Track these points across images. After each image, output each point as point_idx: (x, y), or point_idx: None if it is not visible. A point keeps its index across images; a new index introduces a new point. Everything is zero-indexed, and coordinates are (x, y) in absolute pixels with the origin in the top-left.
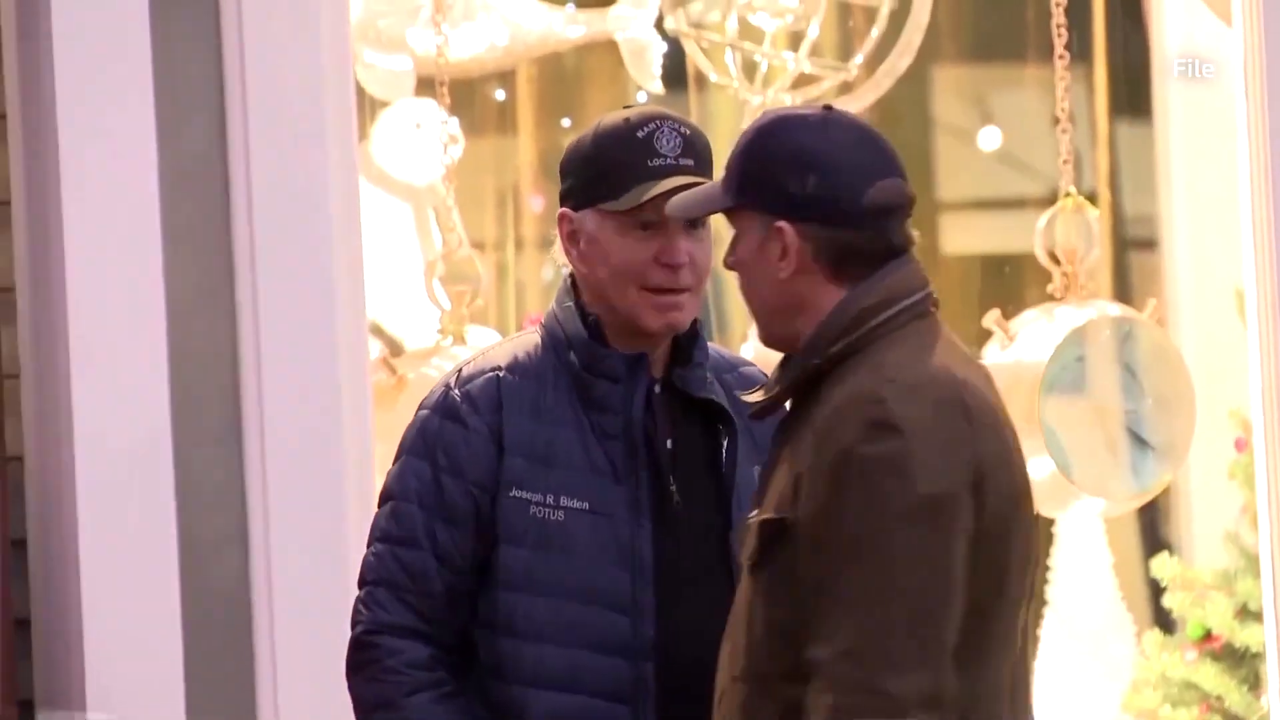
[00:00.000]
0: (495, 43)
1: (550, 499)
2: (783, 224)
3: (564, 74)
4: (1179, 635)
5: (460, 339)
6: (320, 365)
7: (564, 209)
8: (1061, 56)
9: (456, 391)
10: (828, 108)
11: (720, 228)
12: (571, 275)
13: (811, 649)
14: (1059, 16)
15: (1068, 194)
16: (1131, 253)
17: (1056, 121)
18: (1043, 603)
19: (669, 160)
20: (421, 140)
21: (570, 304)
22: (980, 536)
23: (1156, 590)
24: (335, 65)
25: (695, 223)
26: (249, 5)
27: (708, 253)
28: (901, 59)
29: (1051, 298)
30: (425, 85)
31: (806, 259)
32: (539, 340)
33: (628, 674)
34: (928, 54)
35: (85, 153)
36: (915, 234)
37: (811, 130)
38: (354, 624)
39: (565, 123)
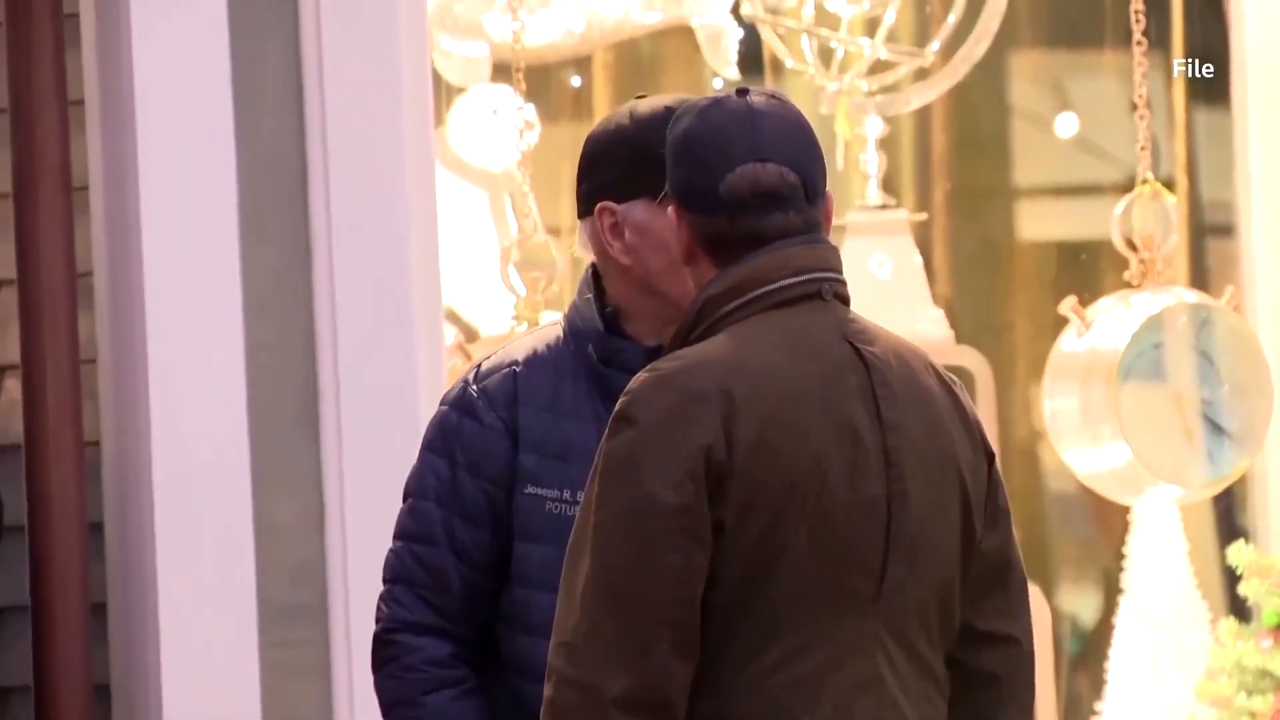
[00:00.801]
0: (571, 29)
1: (566, 494)
2: (670, 210)
3: (640, 60)
4: (1254, 623)
5: (535, 324)
6: (396, 351)
7: (605, 202)
8: (1140, 42)
9: (474, 387)
10: (742, 90)
11: None
12: (593, 267)
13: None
14: (1137, 2)
15: (1145, 180)
16: (1209, 239)
17: (1134, 107)
18: (942, 618)
19: None
20: (497, 126)
21: (589, 296)
22: (726, 530)
23: (1232, 578)
24: (412, 51)
25: None
26: None
27: None
28: (978, 45)
29: (1128, 285)
30: (501, 71)
31: (691, 246)
32: (560, 333)
33: None
34: (1005, 40)
35: (163, 140)
36: (812, 218)
37: (696, 116)
38: (376, 621)
39: None
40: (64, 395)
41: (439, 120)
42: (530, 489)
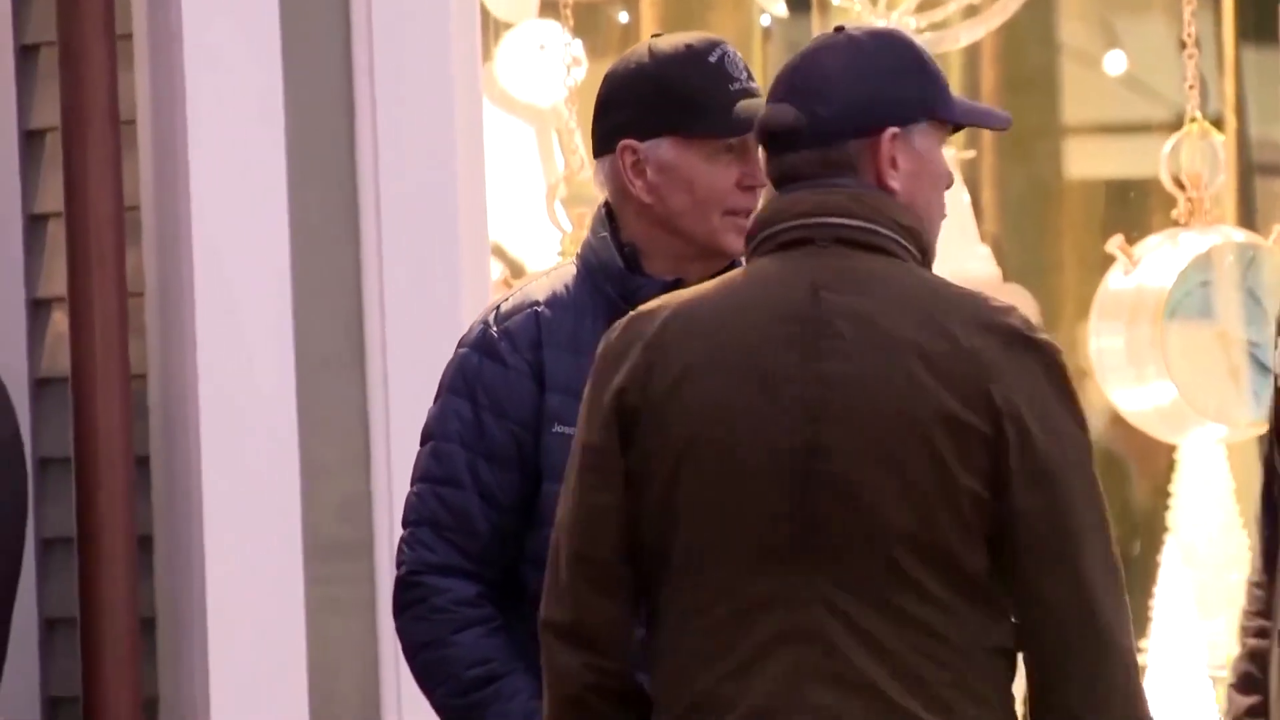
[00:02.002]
0: None
1: None
2: None
3: None
4: None
5: None
6: (443, 287)
7: (627, 140)
8: None
9: (495, 329)
10: (839, 29)
11: None
12: (607, 205)
13: None
14: None
15: (1193, 119)
16: (1257, 178)
17: (1183, 46)
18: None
19: (743, 84)
20: (545, 62)
21: (605, 234)
22: (634, 475)
23: None
24: None
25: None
26: None
27: None
28: None
29: (1176, 223)
30: (549, 7)
31: None
32: (575, 272)
33: None
34: None
35: (211, 74)
36: (833, 158)
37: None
38: (398, 565)
39: None
40: (110, 329)
41: (486, 55)
42: (557, 428)
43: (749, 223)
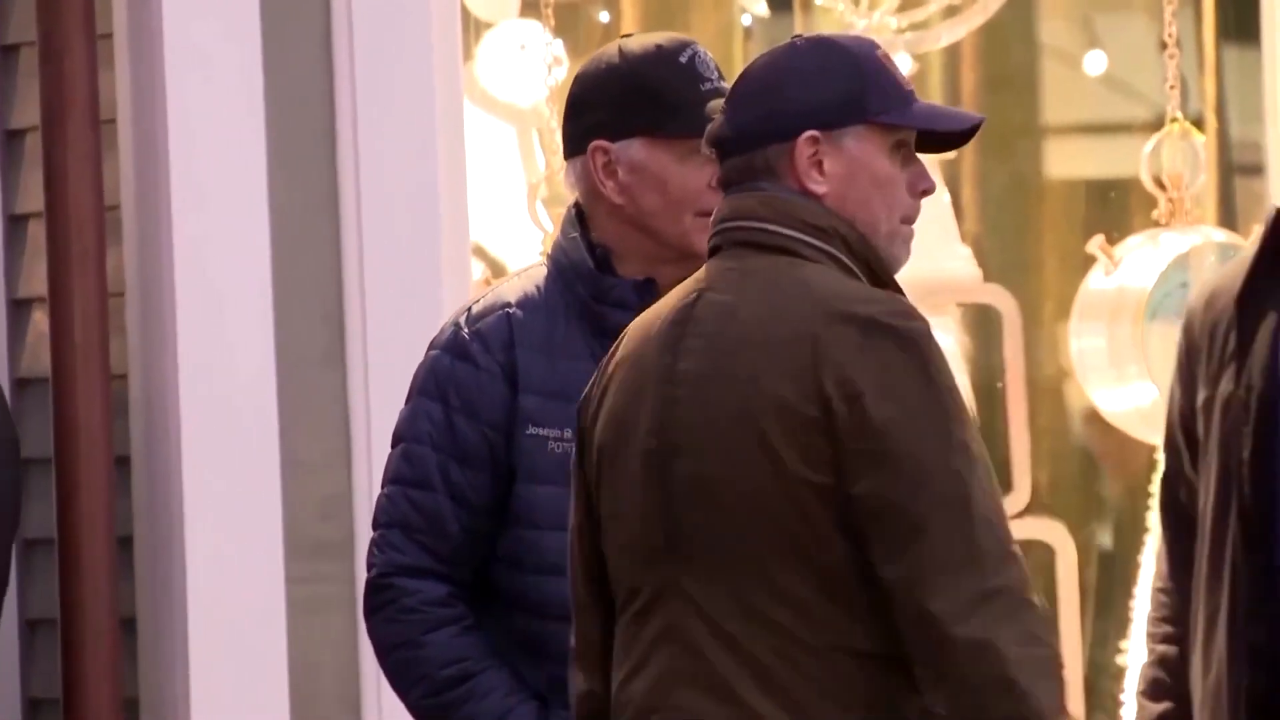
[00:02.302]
0: None
1: (568, 433)
2: None
3: None
4: None
5: None
6: (423, 286)
7: (599, 141)
8: None
9: (466, 330)
10: (795, 38)
11: None
12: (576, 205)
13: None
14: None
15: (1174, 119)
16: (1238, 179)
17: (1164, 46)
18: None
19: (714, 83)
20: (526, 62)
21: (575, 235)
22: (585, 481)
23: None
24: None
25: None
26: None
27: None
28: None
29: (1157, 223)
30: (530, 7)
31: None
32: (547, 272)
33: None
34: None
35: (192, 73)
36: (755, 164)
37: None
38: (369, 567)
39: None
40: (91, 329)
41: (467, 55)
42: (532, 430)
43: None
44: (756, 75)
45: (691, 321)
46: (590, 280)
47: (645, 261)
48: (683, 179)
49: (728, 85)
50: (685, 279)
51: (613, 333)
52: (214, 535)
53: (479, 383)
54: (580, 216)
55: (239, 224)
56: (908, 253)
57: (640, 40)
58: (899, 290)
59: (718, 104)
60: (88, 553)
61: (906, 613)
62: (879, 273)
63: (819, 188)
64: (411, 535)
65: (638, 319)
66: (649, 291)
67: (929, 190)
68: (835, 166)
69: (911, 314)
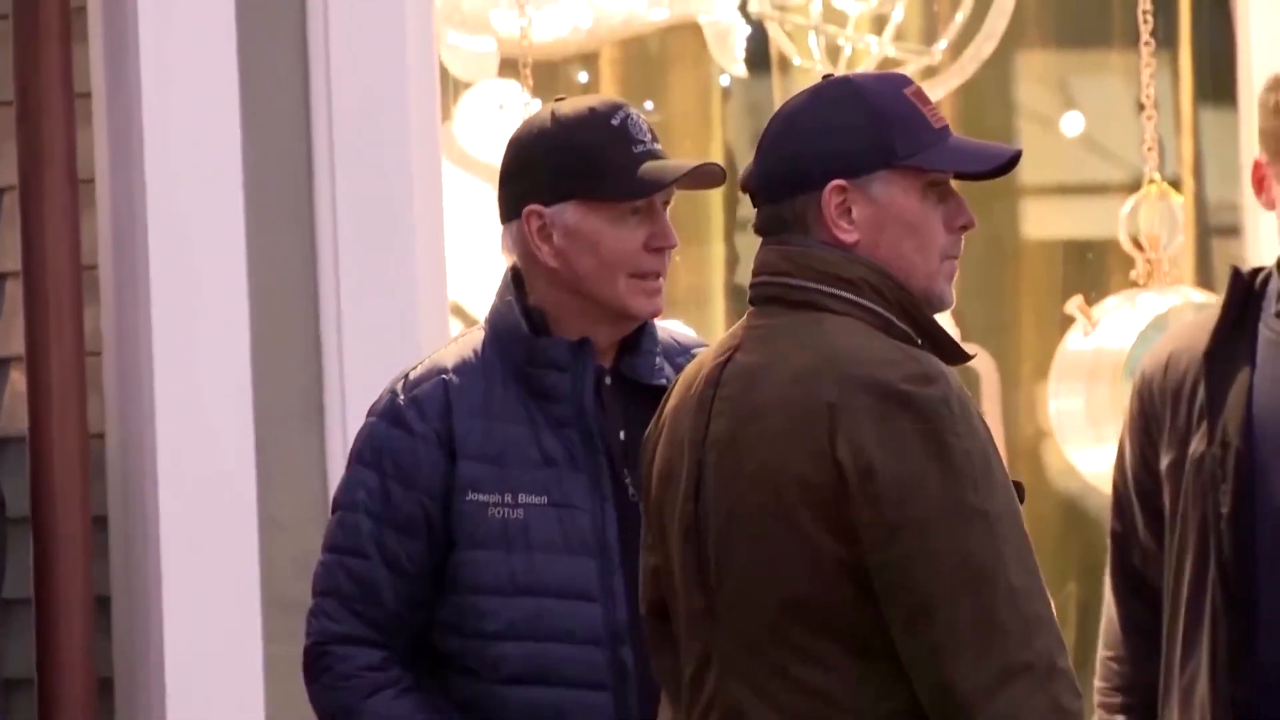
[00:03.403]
0: (579, 25)
1: (508, 498)
2: None
3: (647, 57)
4: None
5: None
6: (402, 346)
7: (533, 205)
8: (1147, 43)
9: (403, 397)
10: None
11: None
12: (513, 269)
13: None
14: (1145, 2)
15: (1152, 180)
16: (1215, 239)
17: (1141, 107)
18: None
19: (647, 145)
20: (504, 121)
21: (510, 299)
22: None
23: None
24: (419, 46)
25: (666, 206)
26: None
27: None
28: (986, 43)
29: (1135, 284)
30: (508, 67)
31: None
32: (484, 335)
33: (605, 661)
34: (1012, 39)
35: (170, 133)
36: (778, 214)
37: None
38: (306, 635)
39: (648, 105)
40: (69, 388)
41: (445, 115)
42: (471, 495)
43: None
44: (782, 121)
45: (721, 384)
46: (523, 344)
47: (582, 323)
48: (616, 241)
49: (660, 147)
50: (620, 338)
51: (549, 393)
52: (192, 594)
53: (414, 450)
54: (517, 280)
55: (217, 283)
56: (951, 291)
57: (573, 103)
58: (943, 333)
59: (659, 164)
60: (65, 612)
61: (925, 690)
62: (917, 318)
63: (848, 236)
64: (345, 603)
65: (686, 371)
66: (584, 351)
67: (968, 225)
68: (864, 213)
69: (932, 377)
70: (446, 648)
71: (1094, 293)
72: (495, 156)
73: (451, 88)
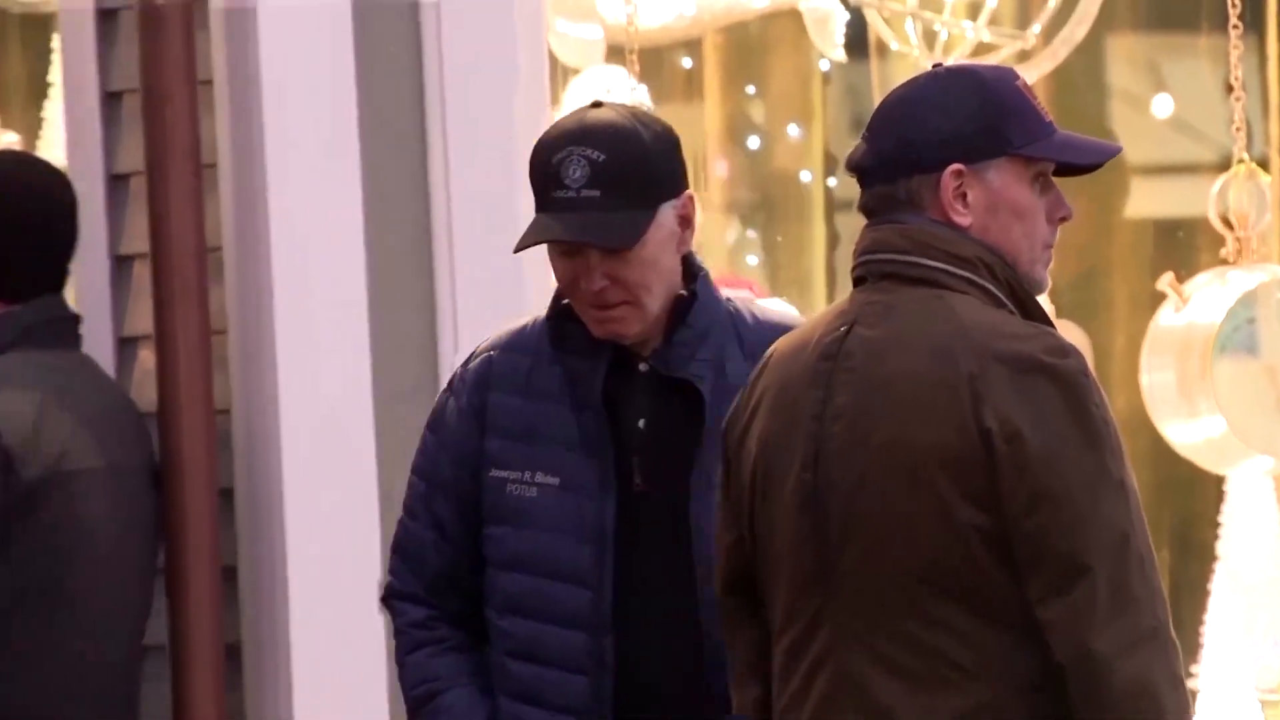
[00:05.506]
0: (683, 12)
1: (527, 475)
2: None
3: (749, 42)
4: None
5: None
6: (513, 320)
7: None
8: (1235, 26)
9: (461, 370)
10: (935, 65)
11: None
12: None
13: None
14: None
15: (1240, 160)
16: None
17: (1229, 89)
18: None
19: (571, 192)
20: None
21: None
22: (734, 510)
23: None
24: (528, 34)
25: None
26: None
27: (641, 264)
28: (1078, 28)
29: (1224, 261)
30: (615, 53)
31: None
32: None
33: (587, 646)
34: (1103, 23)
35: (289, 119)
36: (892, 194)
37: None
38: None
39: (750, 90)
40: (195, 365)
41: (554, 101)
42: (495, 472)
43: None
44: (897, 103)
45: (842, 356)
46: (554, 326)
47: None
48: (558, 271)
49: (598, 194)
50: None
51: (573, 375)
52: (315, 562)
53: (457, 420)
54: None
55: (336, 262)
56: (1047, 275)
57: (561, 122)
58: (1043, 314)
59: (552, 219)
60: (194, 582)
61: (1066, 651)
62: (1023, 298)
63: (963, 219)
64: (405, 561)
65: (783, 345)
66: (602, 338)
67: (1067, 217)
68: (979, 198)
69: (1066, 350)
70: (490, 620)
71: (1184, 270)
72: None
73: (560, 74)
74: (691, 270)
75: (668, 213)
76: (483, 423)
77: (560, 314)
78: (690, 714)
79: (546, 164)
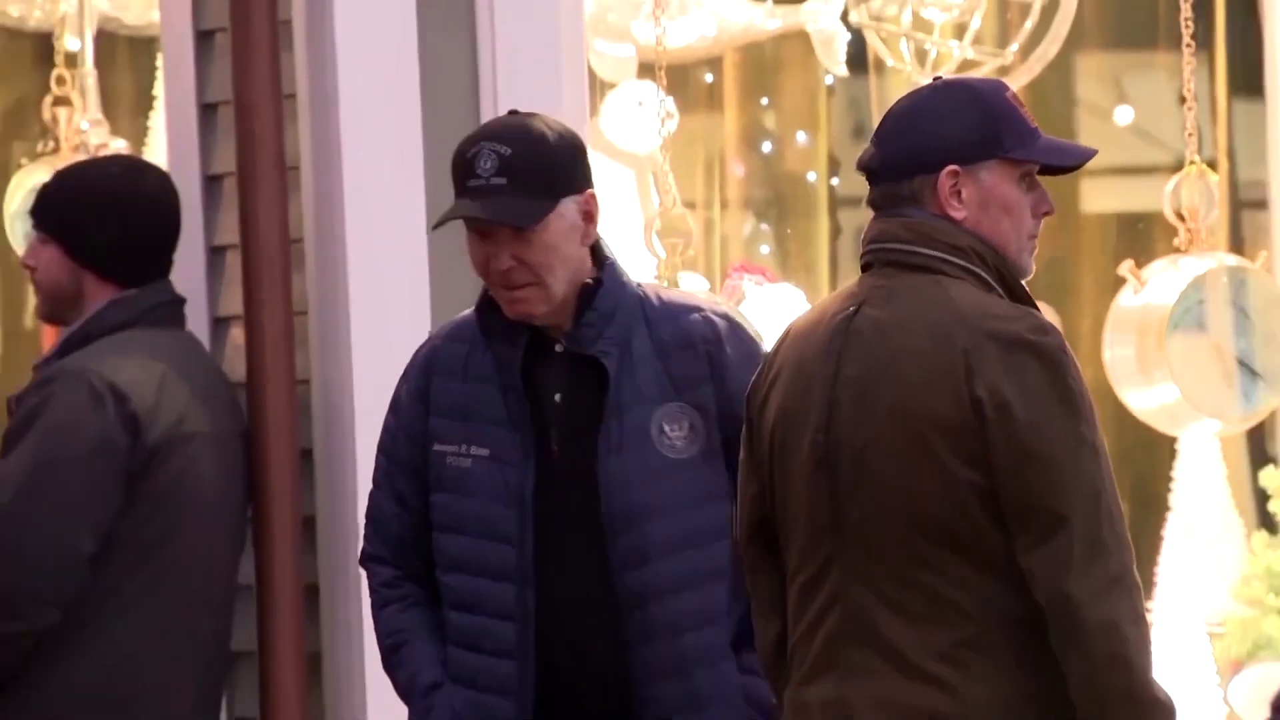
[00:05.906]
0: (705, 34)
1: (463, 449)
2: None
3: (763, 60)
4: None
5: (674, 284)
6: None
7: None
8: (1188, 45)
9: (414, 358)
10: (935, 79)
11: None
12: None
13: None
14: (1186, 10)
15: (1192, 162)
16: (1245, 212)
17: (1183, 100)
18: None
19: (482, 180)
20: (642, 116)
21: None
22: (756, 468)
23: (1263, 498)
24: (570, 53)
25: (496, 233)
26: (500, 6)
27: (545, 248)
28: (1051, 47)
29: (1177, 250)
30: (646, 69)
31: None
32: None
33: (514, 597)
34: (1072, 42)
35: (362, 128)
36: (896, 191)
37: None
38: None
39: (764, 102)
40: (279, 342)
41: (594, 111)
42: (437, 446)
43: None
44: (903, 112)
45: (851, 333)
46: (480, 315)
47: None
48: (472, 254)
49: (505, 182)
50: (574, 314)
51: (499, 358)
52: None
53: (408, 403)
54: None
55: (403, 255)
56: (1032, 263)
57: (492, 122)
58: (1029, 298)
59: (469, 204)
60: (279, 529)
61: (1046, 594)
62: (1011, 284)
63: (958, 213)
64: (374, 528)
65: (799, 322)
66: (516, 325)
67: (1049, 212)
68: (972, 195)
69: (1047, 329)
70: (442, 581)
71: (1143, 257)
72: (635, 146)
73: (598, 88)
74: (599, 259)
75: (570, 206)
76: (428, 404)
77: (486, 305)
78: (603, 656)
79: (463, 157)
